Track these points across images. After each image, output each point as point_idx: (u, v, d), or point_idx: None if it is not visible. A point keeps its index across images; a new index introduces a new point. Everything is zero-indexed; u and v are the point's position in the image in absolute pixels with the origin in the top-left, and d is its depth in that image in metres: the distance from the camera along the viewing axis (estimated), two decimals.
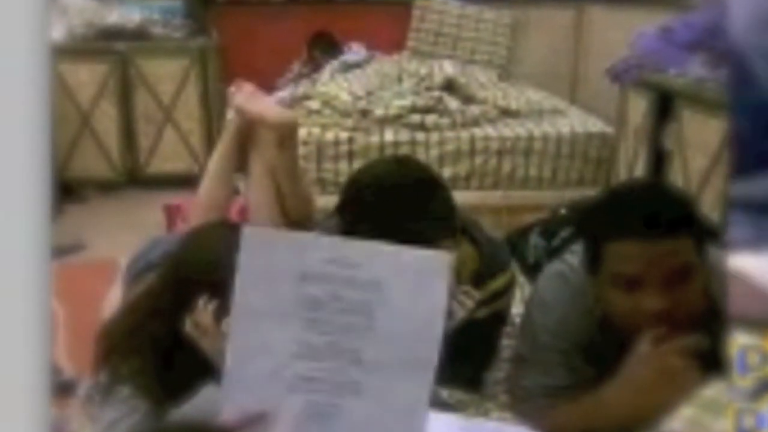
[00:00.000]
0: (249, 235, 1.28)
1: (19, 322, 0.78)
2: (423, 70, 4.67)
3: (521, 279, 2.43)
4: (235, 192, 2.75)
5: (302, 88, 4.63)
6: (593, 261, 1.67)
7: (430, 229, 1.81)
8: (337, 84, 4.53)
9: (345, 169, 4.04)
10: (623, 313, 1.61)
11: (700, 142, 3.41)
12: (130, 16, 5.03)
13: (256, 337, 1.31)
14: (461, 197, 3.91)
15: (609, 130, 4.43)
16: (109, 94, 4.98)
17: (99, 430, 1.68)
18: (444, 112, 4.33)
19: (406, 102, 4.33)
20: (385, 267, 1.29)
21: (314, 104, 4.39)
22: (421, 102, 4.34)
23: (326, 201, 2.73)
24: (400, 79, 4.65)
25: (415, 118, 4.27)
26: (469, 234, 2.09)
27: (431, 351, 1.31)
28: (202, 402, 1.50)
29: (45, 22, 0.81)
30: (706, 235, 1.64)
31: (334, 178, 4.11)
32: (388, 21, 5.70)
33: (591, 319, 1.73)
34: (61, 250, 3.76)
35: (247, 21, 5.46)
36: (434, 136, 4.25)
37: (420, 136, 4.24)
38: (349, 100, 4.31)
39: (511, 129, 4.40)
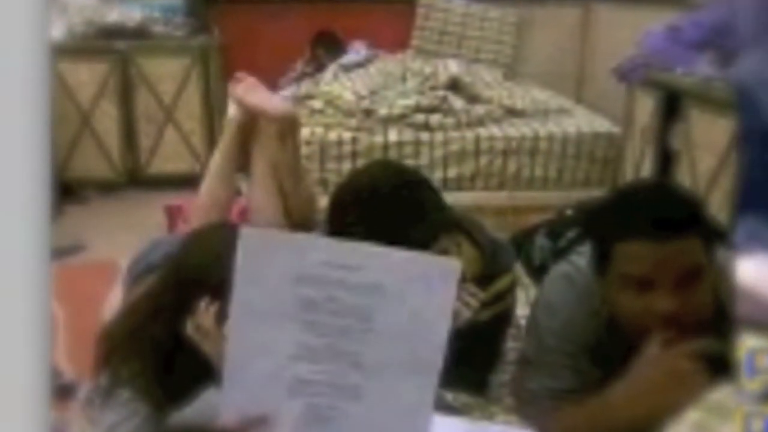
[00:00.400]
0: (247, 236, 1.27)
1: (19, 323, 0.77)
2: (427, 69, 4.68)
3: (527, 281, 2.44)
4: (237, 192, 2.74)
5: (305, 87, 4.62)
6: (601, 262, 1.66)
7: (423, 231, 1.83)
8: (341, 83, 4.54)
9: (348, 170, 4.00)
10: (633, 315, 1.59)
11: (708, 141, 3.42)
12: (131, 15, 5.03)
13: (255, 339, 1.30)
14: (466, 198, 4.03)
15: (616, 129, 4.44)
16: (109, 93, 4.98)
17: None
18: (448, 111, 4.33)
19: (410, 101, 4.33)
20: (387, 270, 1.28)
21: (317, 104, 4.40)
22: (425, 101, 4.34)
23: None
24: (404, 79, 4.65)
25: (420, 117, 4.28)
26: (471, 236, 2.08)
27: (435, 354, 1.30)
28: (203, 405, 1.50)
29: (45, 21, 0.78)
30: (714, 235, 1.64)
31: (337, 179, 4.05)
32: (391, 19, 5.71)
33: (597, 321, 1.73)
34: (60, 251, 3.76)
35: (249, 19, 5.47)
36: (439, 136, 4.25)
37: (424, 135, 4.25)
38: (353, 100, 4.31)
39: (516, 129, 4.40)
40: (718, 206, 3.21)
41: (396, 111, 4.27)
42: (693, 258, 1.56)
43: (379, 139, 4.20)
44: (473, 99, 4.55)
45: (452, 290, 1.29)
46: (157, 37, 5.08)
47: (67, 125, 4.89)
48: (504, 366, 2.18)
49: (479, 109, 4.44)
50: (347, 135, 4.20)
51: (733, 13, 2.86)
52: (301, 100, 4.45)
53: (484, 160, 4.28)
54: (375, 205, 1.87)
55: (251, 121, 2.49)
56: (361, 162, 3.96)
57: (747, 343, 1.01)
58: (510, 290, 2.13)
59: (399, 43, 5.63)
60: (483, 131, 4.33)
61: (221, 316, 1.59)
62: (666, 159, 3.77)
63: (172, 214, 3.78)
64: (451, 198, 2.44)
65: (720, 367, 1.23)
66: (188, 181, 3.93)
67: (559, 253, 2.25)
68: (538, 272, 2.36)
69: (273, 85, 4.55)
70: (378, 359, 1.31)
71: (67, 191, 4.78)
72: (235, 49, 5.29)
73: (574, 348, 1.75)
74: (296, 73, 5.16)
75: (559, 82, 5.51)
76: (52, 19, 4.74)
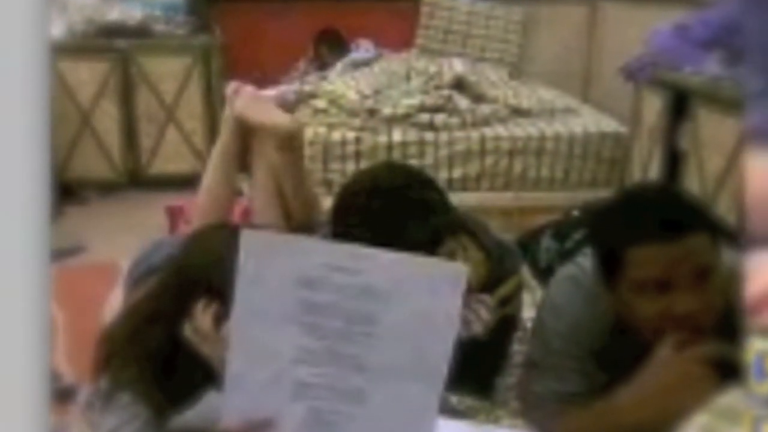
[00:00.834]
0: (248, 238, 1.28)
1: (18, 326, 0.78)
2: (432, 68, 4.67)
3: (533, 283, 2.45)
4: (239, 193, 2.74)
5: (309, 86, 4.60)
6: (609, 269, 1.64)
7: (427, 232, 1.83)
8: (344, 82, 4.54)
9: (352, 170, 4.02)
10: (649, 318, 1.58)
11: (717, 142, 3.42)
12: (132, 13, 5.03)
13: (257, 342, 1.31)
14: (471, 199, 4.01)
15: (623, 129, 4.44)
16: (109, 92, 4.96)
17: None
18: (453, 111, 4.33)
19: (415, 101, 4.32)
20: (389, 274, 1.29)
21: (321, 103, 4.40)
22: (430, 101, 4.33)
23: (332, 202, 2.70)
24: (408, 78, 4.65)
25: (424, 117, 4.27)
26: (477, 239, 2.07)
27: (441, 359, 1.31)
28: (204, 408, 1.50)
29: (44, 19, 0.80)
30: (721, 232, 1.64)
31: (341, 179, 4.04)
32: (395, 18, 5.71)
33: (604, 324, 1.72)
34: (60, 253, 3.75)
35: (251, 18, 5.48)
36: (443, 136, 4.25)
37: (429, 135, 4.24)
38: (357, 99, 4.31)
39: (522, 128, 4.40)
40: (726, 207, 3.22)
41: (400, 111, 4.26)
42: (705, 255, 1.56)
43: (383, 139, 4.19)
44: (478, 98, 4.54)
45: (459, 295, 1.29)
46: (158, 36, 5.07)
47: (67, 125, 4.88)
48: (510, 369, 2.17)
49: (484, 109, 4.44)
50: (351, 135, 4.19)
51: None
52: (305, 99, 4.43)
53: (489, 161, 4.27)
54: (378, 207, 1.86)
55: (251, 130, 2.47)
56: (364, 162, 3.99)
57: (756, 346, 0.99)
58: (516, 293, 2.12)
59: (403, 41, 5.64)
60: (488, 131, 4.32)
61: (219, 318, 1.59)
62: (674, 159, 3.78)
63: (174, 215, 3.78)
64: (456, 199, 2.43)
65: (730, 371, 1.21)
66: (189, 182, 3.89)
67: (566, 255, 2.27)
68: (544, 274, 2.39)
69: (275, 85, 4.54)
70: (382, 363, 1.31)
71: (67, 192, 4.77)
72: (237, 48, 5.28)
73: (581, 351, 1.74)
74: (299, 72, 5.18)
75: (565, 81, 5.51)
76: (52, 17, 4.74)
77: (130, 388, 1.65)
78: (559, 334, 1.77)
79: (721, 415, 1.15)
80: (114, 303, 2.35)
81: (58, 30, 4.79)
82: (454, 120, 4.29)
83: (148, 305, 1.78)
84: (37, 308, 0.78)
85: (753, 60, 1.02)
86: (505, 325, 2.10)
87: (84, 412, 1.79)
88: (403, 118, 4.25)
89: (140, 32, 5.01)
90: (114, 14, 4.98)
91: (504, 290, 2.06)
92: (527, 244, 2.54)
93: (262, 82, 2.62)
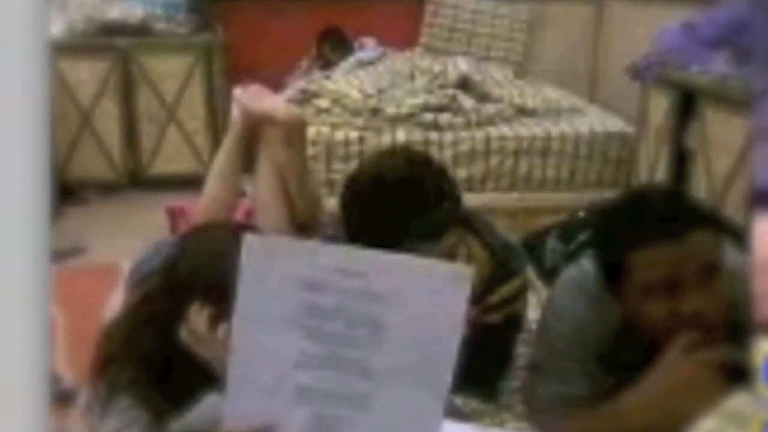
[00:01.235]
0: (250, 243, 1.28)
1: (18, 328, 0.78)
2: (436, 68, 4.66)
3: (538, 284, 2.45)
4: (242, 194, 2.73)
5: (314, 84, 4.58)
6: (613, 273, 1.64)
7: (427, 224, 1.82)
8: (348, 82, 4.53)
9: None
10: (658, 320, 1.58)
11: (724, 141, 3.41)
12: (132, 11, 5.03)
13: (259, 346, 1.31)
14: (476, 199, 3.99)
15: (629, 129, 4.43)
16: (110, 92, 4.96)
17: None
18: (458, 110, 4.31)
19: (419, 100, 4.31)
20: (394, 276, 1.29)
21: (324, 102, 4.38)
22: (434, 100, 4.32)
23: (336, 203, 2.70)
24: (412, 77, 4.64)
25: (428, 117, 4.25)
26: (481, 237, 2.06)
27: (446, 362, 1.31)
28: (204, 411, 1.51)
29: (44, 18, 0.81)
30: (723, 228, 1.67)
31: (343, 180, 4.03)
32: (399, 16, 5.71)
33: (609, 326, 1.71)
34: (60, 254, 3.74)
35: (253, 16, 5.46)
36: (448, 136, 4.23)
37: (433, 135, 4.23)
38: (360, 99, 4.30)
39: (527, 128, 4.39)
40: (734, 208, 3.19)
41: (404, 110, 4.25)
42: (710, 252, 1.57)
43: (386, 138, 4.17)
44: (483, 98, 4.53)
45: (463, 297, 1.29)
46: (159, 35, 5.07)
47: (67, 125, 4.89)
48: (515, 372, 2.17)
49: (489, 108, 4.42)
50: (354, 134, 4.18)
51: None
52: (309, 97, 4.42)
53: (494, 161, 4.26)
54: (377, 197, 1.86)
55: (256, 125, 2.47)
56: None
57: (764, 349, 0.99)
58: (520, 294, 2.11)
59: (407, 40, 5.63)
60: (493, 131, 4.31)
61: (214, 320, 1.59)
62: (681, 159, 3.76)
63: (175, 216, 3.78)
64: None
65: (738, 374, 1.23)
66: (191, 182, 3.91)
67: (572, 256, 2.31)
68: (549, 275, 2.42)
69: (278, 84, 4.53)
70: (386, 367, 1.31)
71: (67, 192, 4.77)
72: (239, 47, 5.28)
73: (585, 353, 1.74)
74: (302, 71, 5.17)
75: (571, 80, 5.50)
76: (52, 15, 4.75)
77: (128, 391, 1.65)
78: (562, 336, 1.77)
79: (730, 419, 1.15)
80: (114, 304, 2.35)
81: (58, 29, 4.80)
82: (459, 120, 4.27)
83: (143, 307, 1.80)
84: (36, 309, 0.78)
85: (761, 59, 1.03)
86: (510, 326, 2.10)
87: (84, 415, 1.81)
88: (407, 118, 4.24)
89: (141, 31, 5.01)
90: (114, 12, 4.98)
91: (507, 290, 2.05)
92: (532, 245, 2.57)
93: (268, 82, 2.64)
